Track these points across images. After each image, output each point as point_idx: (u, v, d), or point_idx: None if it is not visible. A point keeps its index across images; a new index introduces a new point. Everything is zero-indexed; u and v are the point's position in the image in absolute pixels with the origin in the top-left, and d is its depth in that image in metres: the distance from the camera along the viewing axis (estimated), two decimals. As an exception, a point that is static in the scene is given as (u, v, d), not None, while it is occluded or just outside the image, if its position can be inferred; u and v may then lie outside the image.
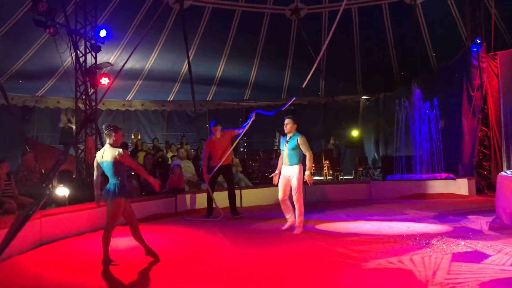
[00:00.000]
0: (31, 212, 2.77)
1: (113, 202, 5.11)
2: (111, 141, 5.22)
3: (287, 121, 6.96)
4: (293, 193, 6.81)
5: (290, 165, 6.83)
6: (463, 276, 4.21)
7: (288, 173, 6.85)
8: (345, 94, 17.66)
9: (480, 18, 11.96)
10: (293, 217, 6.92)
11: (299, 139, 6.81)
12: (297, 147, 6.82)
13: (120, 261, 5.22)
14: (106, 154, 5.18)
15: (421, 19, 14.14)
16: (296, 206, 6.80)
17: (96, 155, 5.36)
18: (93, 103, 10.43)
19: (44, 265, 5.39)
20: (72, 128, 12.58)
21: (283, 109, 8.54)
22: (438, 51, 14.69)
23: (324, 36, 15.16)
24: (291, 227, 6.94)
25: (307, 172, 6.75)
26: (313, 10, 14.47)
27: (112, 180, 5.17)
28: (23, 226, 2.89)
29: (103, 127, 5.44)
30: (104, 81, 10.58)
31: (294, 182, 6.79)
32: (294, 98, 8.44)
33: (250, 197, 11.29)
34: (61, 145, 13.62)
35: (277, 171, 7.08)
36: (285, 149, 6.88)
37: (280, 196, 6.98)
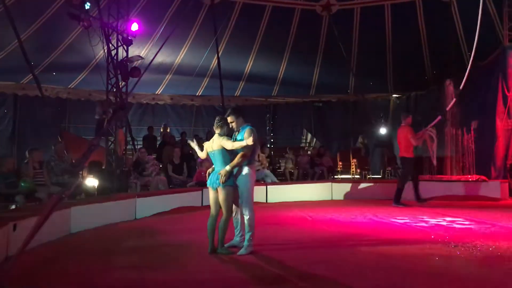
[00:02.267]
0: (63, 195, 2.82)
1: (224, 190, 5.33)
2: (218, 131, 5.51)
3: (229, 119, 5.54)
4: (241, 200, 5.46)
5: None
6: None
7: (237, 176, 5.47)
8: (375, 92, 17.38)
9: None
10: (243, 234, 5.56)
11: (246, 132, 5.41)
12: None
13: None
14: (215, 144, 5.46)
15: (456, 17, 13.80)
16: (245, 218, 5.41)
17: (205, 145, 5.67)
18: (124, 96, 10.56)
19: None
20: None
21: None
22: (473, 50, 14.28)
23: (356, 32, 14.98)
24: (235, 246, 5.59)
25: (227, 167, 5.30)
26: (345, 6, 14.30)
27: (222, 167, 5.38)
28: (54, 210, 2.95)
29: (216, 120, 5.54)
30: (134, 27, 10.46)
31: (242, 188, 5.44)
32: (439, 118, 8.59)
33: (276, 193, 11.28)
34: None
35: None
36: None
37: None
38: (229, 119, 5.53)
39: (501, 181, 10.80)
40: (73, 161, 9.27)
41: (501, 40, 12.38)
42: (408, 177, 9.88)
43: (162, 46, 8.83)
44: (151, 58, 13.92)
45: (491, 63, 12.25)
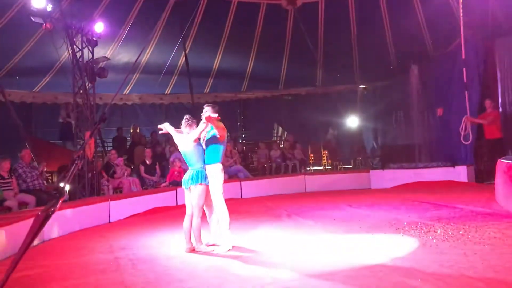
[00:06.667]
0: (50, 213, 2.78)
1: (197, 189, 5.34)
2: (188, 130, 5.53)
3: (206, 109, 5.55)
4: (212, 200, 5.51)
5: (207, 164, 5.51)
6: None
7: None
8: (342, 83, 17.60)
9: (478, 5, 11.89)
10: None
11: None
12: (215, 139, 5.52)
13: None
14: (185, 145, 5.48)
15: (417, 7, 14.10)
16: (219, 216, 5.48)
17: (177, 143, 5.68)
18: (91, 98, 10.33)
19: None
20: (71, 122, 12.54)
21: None
22: (435, 38, 14.65)
23: (321, 25, 15.13)
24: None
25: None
26: (309, 0, 14.41)
27: (195, 166, 5.44)
28: (43, 226, 2.92)
29: (185, 118, 5.59)
30: (99, 27, 10.18)
31: (211, 186, 5.47)
32: None
33: (250, 189, 11.34)
34: (60, 140, 13.60)
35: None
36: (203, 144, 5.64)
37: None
38: (206, 108, 5.53)
39: (468, 165, 11.12)
40: (42, 168, 9.10)
41: (462, 29, 12.68)
42: None
43: (144, 48, 8.71)
44: (117, 58, 13.93)
45: (452, 51, 12.55)
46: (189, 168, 5.52)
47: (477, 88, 11.44)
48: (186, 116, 5.64)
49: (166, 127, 5.77)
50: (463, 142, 10.20)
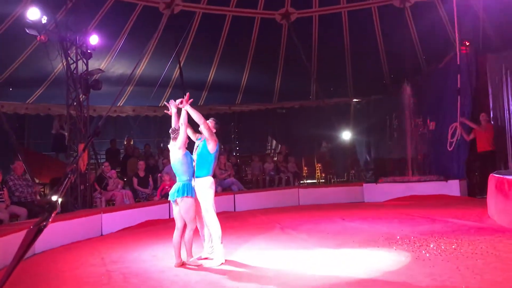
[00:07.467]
0: (42, 227, 2.77)
1: (183, 202, 5.29)
2: (174, 142, 5.45)
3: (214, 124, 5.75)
4: (203, 213, 5.48)
5: (198, 177, 5.46)
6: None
7: (196, 188, 5.47)
8: (336, 97, 17.70)
9: (468, 21, 12.06)
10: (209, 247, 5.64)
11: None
12: (206, 152, 5.48)
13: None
14: (174, 155, 5.42)
15: (410, 22, 14.27)
16: (211, 229, 5.45)
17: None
18: (85, 110, 10.33)
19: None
20: (64, 134, 12.51)
21: None
22: (427, 53, 14.81)
23: (315, 39, 15.25)
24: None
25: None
26: (303, 15, 14.54)
27: (182, 178, 5.38)
28: (35, 240, 2.91)
29: (170, 131, 5.52)
30: (94, 40, 10.22)
31: (202, 200, 5.44)
32: None
33: (243, 202, 11.31)
34: (53, 152, 13.55)
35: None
36: (194, 157, 5.58)
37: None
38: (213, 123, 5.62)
39: (460, 180, 11.17)
40: (35, 180, 9.04)
41: (453, 44, 12.83)
42: None
43: (139, 61, 8.72)
44: (112, 70, 13.95)
45: (445, 66, 12.67)
46: (177, 180, 5.47)
47: (469, 103, 11.54)
48: (170, 130, 5.53)
49: (172, 110, 5.58)
50: (448, 148, 10.34)
